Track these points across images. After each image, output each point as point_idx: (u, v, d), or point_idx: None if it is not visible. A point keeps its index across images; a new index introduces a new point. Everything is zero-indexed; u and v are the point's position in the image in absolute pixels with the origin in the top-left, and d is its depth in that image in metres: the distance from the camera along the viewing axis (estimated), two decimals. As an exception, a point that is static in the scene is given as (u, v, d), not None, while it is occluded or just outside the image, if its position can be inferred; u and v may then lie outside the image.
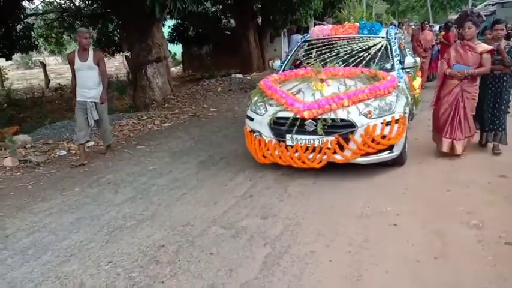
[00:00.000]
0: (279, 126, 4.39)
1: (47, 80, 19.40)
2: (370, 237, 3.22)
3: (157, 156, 5.79)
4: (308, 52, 5.80)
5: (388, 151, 4.31)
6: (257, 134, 4.58)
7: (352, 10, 6.04)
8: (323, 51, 5.44)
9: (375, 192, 4.06)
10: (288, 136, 4.34)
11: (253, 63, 15.93)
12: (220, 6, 17.58)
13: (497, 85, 5.02)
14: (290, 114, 4.29)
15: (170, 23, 17.89)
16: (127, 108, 10.62)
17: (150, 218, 3.79)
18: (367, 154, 4.22)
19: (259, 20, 17.60)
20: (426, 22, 11.43)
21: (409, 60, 5.29)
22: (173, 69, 22.46)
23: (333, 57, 5.25)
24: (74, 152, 6.09)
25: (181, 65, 22.60)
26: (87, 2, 14.04)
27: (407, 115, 4.58)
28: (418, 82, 5.96)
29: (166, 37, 14.94)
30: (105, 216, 3.88)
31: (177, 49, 21.58)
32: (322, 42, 5.65)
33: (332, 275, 2.77)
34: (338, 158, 4.21)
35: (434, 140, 5.14)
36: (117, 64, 25.48)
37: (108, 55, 17.24)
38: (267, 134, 4.48)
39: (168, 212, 3.90)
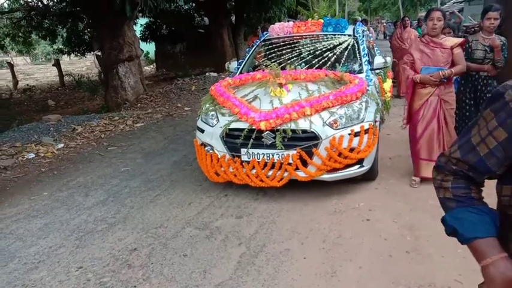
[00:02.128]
0: (233, 139, 3.84)
1: (15, 81, 18.79)
2: (343, 233, 3.24)
3: (130, 157, 5.68)
4: (267, 53, 5.20)
5: (358, 165, 3.80)
6: (208, 147, 4.04)
7: (316, 5, 5.64)
8: (283, 52, 4.97)
9: (348, 188, 4.08)
10: (243, 150, 3.80)
11: (227, 61, 15.84)
12: (194, 4, 17.42)
13: (482, 90, 4.29)
14: (245, 125, 3.76)
15: (142, 21, 17.63)
16: (98, 108, 10.41)
17: (122, 221, 3.71)
18: (334, 170, 3.73)
19: (233, 18, 17.54)
20: (407, 18, 9.44)
21: (379, 60, 4.66)
22: (146, 68, 22.17)
23: (295, 58, 4.84)
24: (42, 154, 5.91)
25: (154, 64, 22.30)
26: (55, 0, 13.66)
27: (378, 123, 4.05)
28: (388, 84, 5.56)
29: (139, 35, 14.71)
30: (75, 221, 3.78)
31: (150, 48, 21.28)
32: (282, 42, 5.16)
33: (306, 272, 2.77)
34: (301, 175, 3.72)
35: (415, 163, 4.16)
36: (88, 64, 25.00)
37: (79, 54, 16.88)
38: (220, 148, 3.93)
39: (141, 214, 3.82)
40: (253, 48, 5.47)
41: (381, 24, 40.28)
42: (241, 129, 3.78)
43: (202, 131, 4.15)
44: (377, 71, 4.89)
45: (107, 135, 7.05)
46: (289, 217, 3.59)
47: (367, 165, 3.89)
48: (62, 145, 6.38)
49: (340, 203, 3.80)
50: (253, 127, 3.72)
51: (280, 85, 4.00)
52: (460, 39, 4.00)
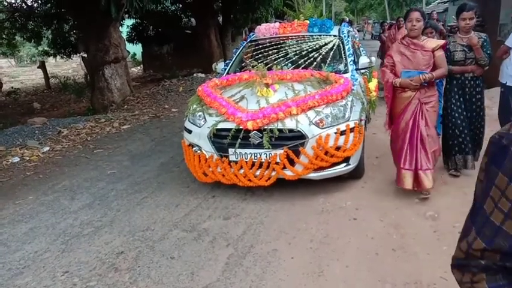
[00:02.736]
0: (221, 139, 3.85)
1: (-1, 84, 18.51)
2: (330, 233, 3.26)
3: (116, 159, 5.63)
4: (254, 53, 5.22)
5: (344, 164, 3.84)
6: (196, 148, 4.05)
7: (302, 7, 5.52)
8: (270, 52, 4.99)
9: (335, 187, 4.10)
10: (231, 150, 3.82)
11: (214, 62, 15.80)
12: (180, 5, 17.36)
13: (470, 92, 4.08)
14: (232, 125, 3.78)
15: (129, 22, 17.50)
16: (85, 111, 10.31)
17: (108, 224, 3.68)
18: (321, 168, 3.77)
19: (220, 18, 17.53)
20: (401, 19, 8.51)
21: (364, 60, 4.71)
22: (133, 69, 22.01)
23: (281, 59, 4.86)
24: (27, 158, 5.83)
25: (141, 65, 22.15)
26: (40, 1, 13.48)
27: (363, 122, 4.16)
28: (373, 84, 5.53)
29: (125, 37, 14.60)
30: (61, 225, 3.73)
31: (137, 49, 21.13)
32: (269, 42, 5.17)
33: (294, 272, 2.78)
34: (288, 174, 3.76)
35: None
36: (74, 66, 24.74)
37: (64, 56, 16.66)
38: (207, 149, 3.95)
39: (128, 217, 3.80)
40: (240, 49, 5.48)
41: (368, 24, 40.59)
42: (229, 129, 3.80)
43: (189, 131, 4.15)
44: (362, 71, 4.94)
45: (93, 138, 6.98)
46: (276, 217, 3.60)
47: (353, 164, 3.94)
48: (48, 148, 6.30)
49: (327, 202, 3.83)
50: (241, 127, 3.74)
51: (267, 85, 4.03)
52: (442, 41, 3.82)
